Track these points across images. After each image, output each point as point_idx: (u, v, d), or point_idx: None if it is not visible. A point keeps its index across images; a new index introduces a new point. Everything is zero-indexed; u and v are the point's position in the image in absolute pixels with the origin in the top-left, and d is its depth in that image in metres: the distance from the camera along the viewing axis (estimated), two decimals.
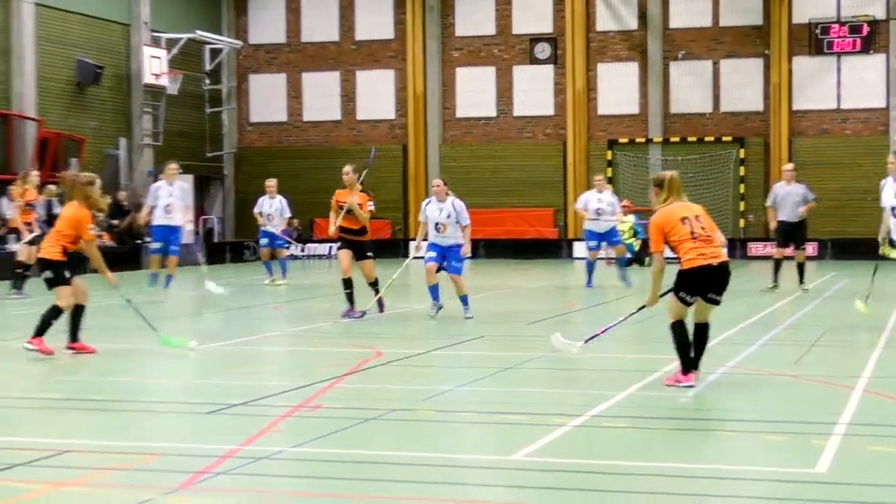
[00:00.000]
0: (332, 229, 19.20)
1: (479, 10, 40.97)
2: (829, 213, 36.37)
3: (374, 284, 17.70)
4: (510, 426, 9.07)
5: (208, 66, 41.15)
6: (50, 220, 26.57)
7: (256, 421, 9.25)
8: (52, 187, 29.26)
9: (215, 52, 41.23)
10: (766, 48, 38.11)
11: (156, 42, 38.03)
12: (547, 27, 40.26)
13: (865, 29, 37.09)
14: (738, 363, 12.58)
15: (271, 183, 24.72)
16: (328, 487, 7.13)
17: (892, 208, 18.33)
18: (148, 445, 8.38)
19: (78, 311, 13.14)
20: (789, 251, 22.37)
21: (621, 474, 7.37)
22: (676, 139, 39.25)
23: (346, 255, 17.85)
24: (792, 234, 22.00)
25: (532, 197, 40.49)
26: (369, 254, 17.73)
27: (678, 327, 10.52)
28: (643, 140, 39.65)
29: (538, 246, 40.11)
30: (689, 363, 10.51)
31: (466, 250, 18.23)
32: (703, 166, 38.17)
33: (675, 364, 10.71)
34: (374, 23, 42.08)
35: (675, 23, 39.25)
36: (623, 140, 39.90)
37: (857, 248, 35.03)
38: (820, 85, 38.17)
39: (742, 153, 38.28)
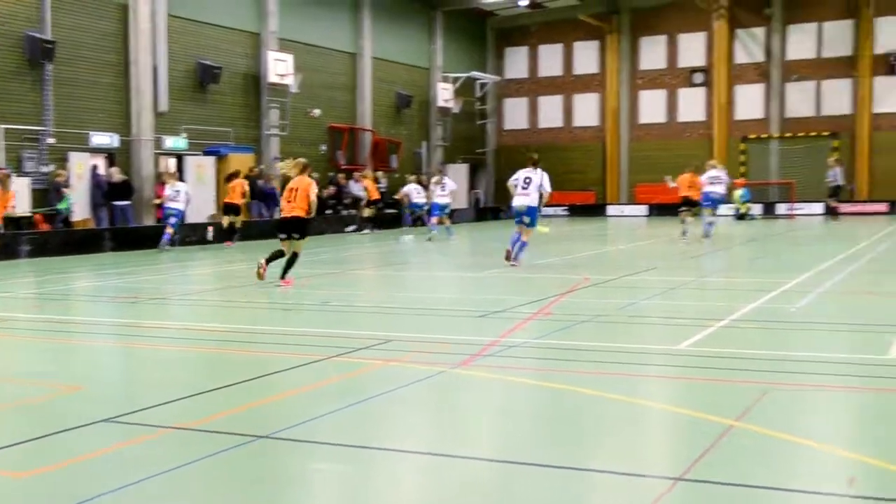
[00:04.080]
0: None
1: (655, 51, 41.65)
2: None
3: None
4: (676, 326, 9.05)
5: (478, 94, 42.98)
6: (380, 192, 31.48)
7: (509, 322, 9.27)
8: (378, 173, 33.16)
9: (483, 85, 42.89)
10: (854, 71, 38.19)
11: (446, 79, 40.17)
12: (701, 62, 40.88)
13: None
14: (832, 284, 12.38)
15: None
16: (557, 365, 7.15)
17: None
18: (440, 337, 8.55)
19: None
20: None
21: (749, 359, 7.25)
22: (789, 134, 39.25)
23: None
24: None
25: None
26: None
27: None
28: (766, 136, 39.75)
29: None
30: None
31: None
32: (808, 153, 38.35)
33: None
34: (586, 63, 43.11)
35: (790, 56, 39.36)
36: (752, 136, 39.89)
37: None
38: (893, 95, 37.81)
39: (836, 144, 38.02)
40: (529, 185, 15.31)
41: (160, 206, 23.15)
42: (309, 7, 33.24)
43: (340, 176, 33.14)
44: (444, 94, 40.24)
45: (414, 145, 39.62)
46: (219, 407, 6.11)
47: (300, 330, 9.39)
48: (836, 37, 38.92)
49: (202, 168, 27.66)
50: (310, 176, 13.50)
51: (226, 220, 23.67)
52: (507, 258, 15.27)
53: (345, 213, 31.72)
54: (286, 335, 9.13)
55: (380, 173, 34.30)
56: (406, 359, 7.53)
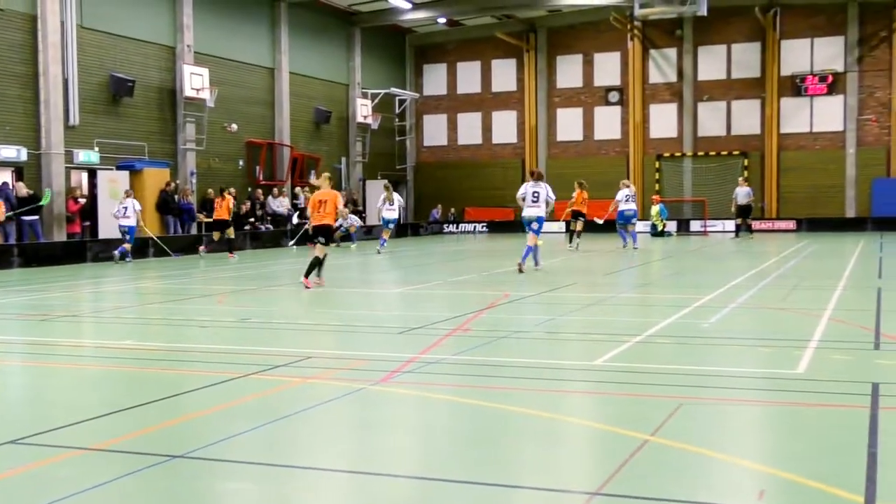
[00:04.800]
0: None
1: (572, 70, 42.08)
2: (803, 200, 37.97)
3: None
4: (593, 342, 9.14)
5: (397, 110, 43.08)
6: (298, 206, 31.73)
7: (428, 338, 9.24)
8: (297, 189, 33.35)
9: (402, 101, 43.03)
10: (762, 92, 39.00)
11: (364, 95, 40.17)
12: (616, 81, 41.47)
13: (830, 79, 38.10)
14: (744, 300, 12.56)
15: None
16: (475, 381, 7.17)
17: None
18: (360, 353, 8.49)
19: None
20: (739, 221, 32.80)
21: (664, 374, 7.32)
22: (702, 153, 40.06)
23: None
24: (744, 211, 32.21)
25: (605, 192, 39.69)
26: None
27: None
28: (679, 154, 40.54)
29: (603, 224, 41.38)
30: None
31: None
32: (720, 172, 39.35)
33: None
34: (504, 81, 43.34)
35: (701, 76, 40.11)
36: (666, 154, 40.65)
37: (824, 224, 36.69)
38: (799, 116, 38.77)
39: (746, 162, 39.07)
40: (539, 198, 17.42)
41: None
42: (225, 21, 32.92)
43: (258, 192, 32.94)
44: (363, 110, 40.25)
45: (333, 161, 39.43)
46: (132, 426, 5.97)
47: (217, 347, 9.21)
48: (745, 59, 39.84)
49: (115, 183, 27.05)
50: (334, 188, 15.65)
51: (216, 235, 25.35)
52: (520, 271, 16.98)
53: (263, 228, 31.50)
54: (203, 353, 8.97)
55: (298, 189, 34.15)
56: (325, 376, 7.44)
